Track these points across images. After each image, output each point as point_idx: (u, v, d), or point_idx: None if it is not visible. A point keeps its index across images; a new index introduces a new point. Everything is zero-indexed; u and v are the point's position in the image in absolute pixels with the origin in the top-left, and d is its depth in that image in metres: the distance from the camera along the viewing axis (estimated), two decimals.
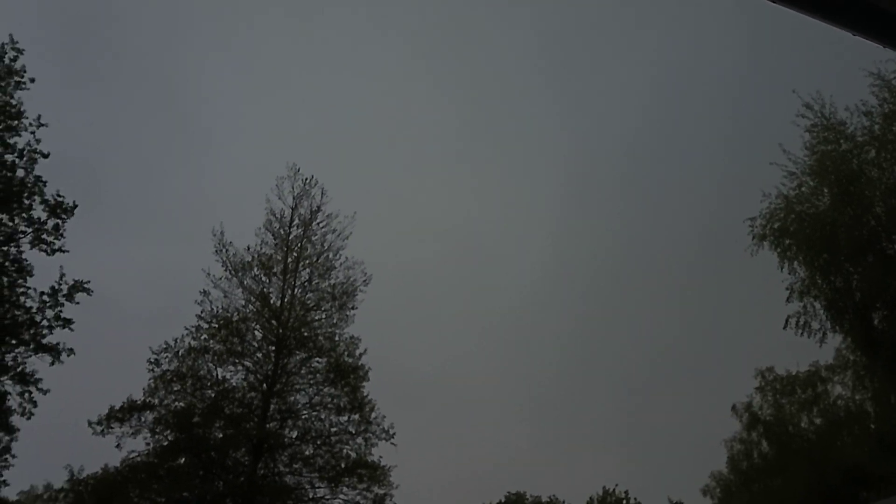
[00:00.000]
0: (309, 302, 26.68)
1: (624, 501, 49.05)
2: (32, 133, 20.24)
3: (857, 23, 1.32)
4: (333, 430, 25.39)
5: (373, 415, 25.58)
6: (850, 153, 20.63)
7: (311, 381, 25.78)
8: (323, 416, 25.51)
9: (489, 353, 64.42)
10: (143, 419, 23.72)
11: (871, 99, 20.29)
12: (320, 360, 25.88)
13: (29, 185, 20.19)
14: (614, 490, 49.37)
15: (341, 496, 24.70)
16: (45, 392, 20.17)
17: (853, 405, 27.08)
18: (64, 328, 20.39)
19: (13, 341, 19.87)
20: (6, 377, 19.85)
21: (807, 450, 27.42)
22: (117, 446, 23.37)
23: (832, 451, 25.93)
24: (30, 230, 20.20)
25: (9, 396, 19.91)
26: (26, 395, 19.97)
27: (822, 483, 24.81)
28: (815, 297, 20.80)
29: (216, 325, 25.22)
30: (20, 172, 20.10)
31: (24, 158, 20.16)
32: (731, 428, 31.57)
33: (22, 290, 20.23)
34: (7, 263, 19.99)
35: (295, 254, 27.02)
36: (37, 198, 20.26)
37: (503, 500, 53.12)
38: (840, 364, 27.35)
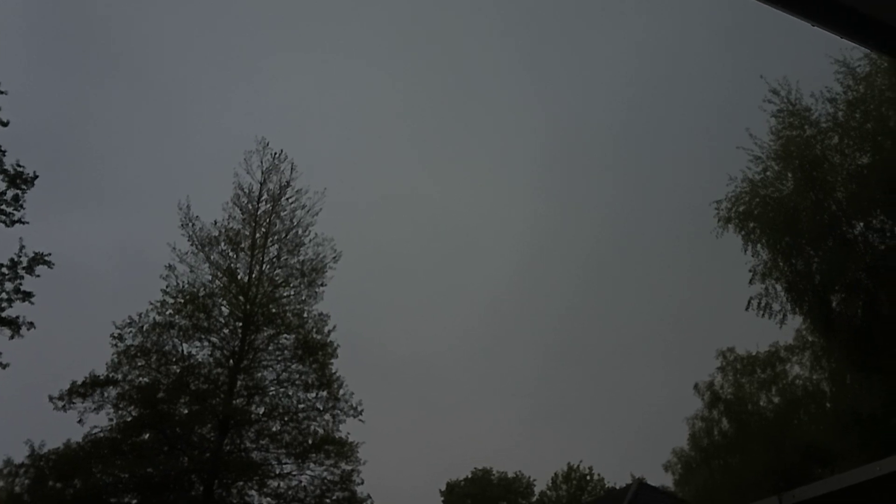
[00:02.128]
0: (277, 278, 26.50)
1: (588, 477, 50.01)
2: None
3: (813, 12, 1.35)
4: (301, 406, 25.41)
5: (341, 391, 25.64)
6: (814, 139, 20.98)
7: (279, 358, 25.70)
8: (290, 393, 25.50)
9: (461, 335, 64.78)
10: (105, 395, 23.47)
11: (835, 86, 20.62)
12: (288, 336, 25.79)
13: None
14: (578, 466, 50.33)
15: (308, 472, 24.81)
16: (4, 366, 19.78)
17: (810, 385, 27.82)
18: (24, 301, 19.98)
19: None
20: None
21: (765, 428, 28.14)
22: (79, 422, 23.18)
23: (789, 429, 26.67)
24: None
25: None
26: None
27: (779, 459, 25.51)
28: (776, 280, 21.23)
29: (182, 301, 24.95)
30: None
31: None
32: (693, 406, 32.29)
33: None
34: None
35: (263, 229, 26.76)
36: None
37: (470, 476, 53.80)
38: (799, 345, 28.05)
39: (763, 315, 21.41)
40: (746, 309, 21.57)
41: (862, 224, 20.29)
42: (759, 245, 21.41)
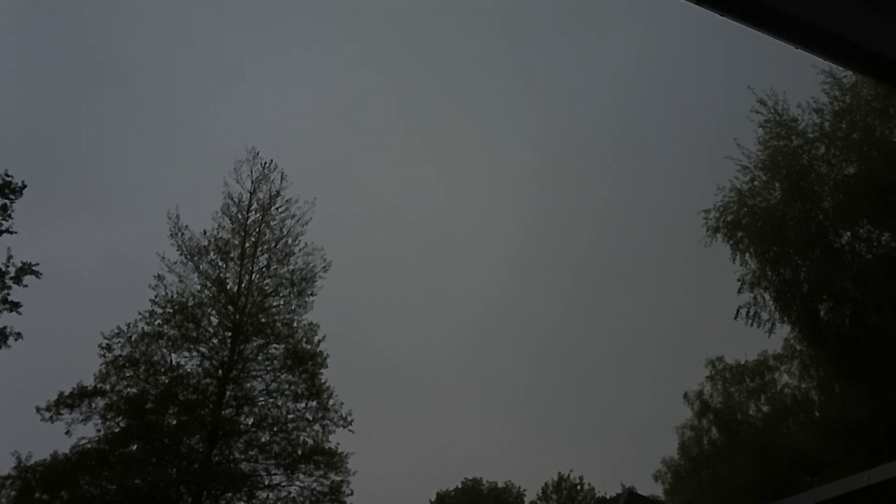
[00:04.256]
0: (267, 288, 26.44)
1: (578, 487, 49.96)
2: None
3: (796, 37, 1.39)
4: (290, 416, 25.31)
5: (330, 402, 25.57)
6: (800, 149, 21.20)
7: (269, 368, 25.61)
8: (280, 403, 25.41)
9: (454, 343, 64.73)
10: (93, 405, 23.31)
11: (822, 96, 20.86)
12: (278, 346, 25.72)
13: None
14: (569, 476, 50.28)
15: (297, 483, 24.68)
16: None
17: (799, 394, 27.94)
18: (11, 311, 19.89)
19: None
20: None
21: (754, 437, 28.23)
22: (67, 433, 22.99)
23: (778, 438, 26.74)
24: None
25: None
26: None
27: (768, 468, 25.58)
28: (764, 289, 21.37)
29: (171, 310, 24.84)
30: None
31: None
32: (683, 415, 32.36)
33: None
34: None
35: (253, 239, 26.72)
36: None
37: (460, 487, 53.65)
38: (787, 354, 28.20)
39: (752, 324, 21.55)
40: (735, 318, 21.71)
41: (849, 233, 20.49)
42: (747, 254, 21.58)
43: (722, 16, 1.35)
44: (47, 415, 22.84)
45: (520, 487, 53.59)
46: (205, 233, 26.21)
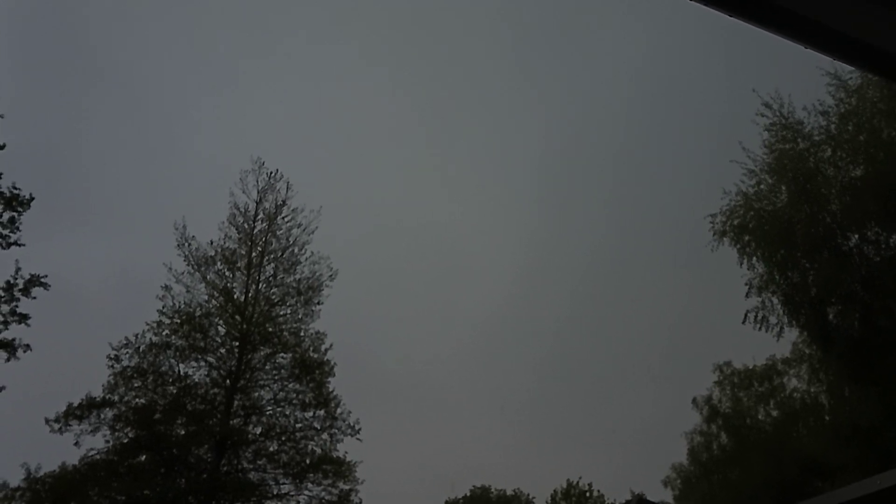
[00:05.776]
0: (274, 297, 26.49)
1: (587, 494, 49.71)
2: None
3: (804, 36, 1.39)
4: (298, 425, 25.31)
5: (338, 410, 25.55)
6: (807, 152, 21.12)
7: (276, 377, 25.63)
8: (288, 412, 25.42)
9: (458, 350, 64.62)
10: (102, 416, 23.37)
11: (827, 99, 20.80)
12: (285, 355, 25.74)
13: None
14: (578, 483, 50.03)
15: (306, 492, 24.67)
16: (0, 389, 19.70)
17: (808, 398, 27.79)
18: (20, 323, 19.94)
19: None
20: None
21: (764, 441, 28.07)
22: (76, 444, 23.06)
23: (788, 443, 26.59)
24: None
25: None
26: None
27: (778, 473, 25.43)
28: (772, 293, 21.27)
29: (178, 321, 24.91)
30: None
31: None
32: (692, 421, 32.18)
33: None
34: None
35: (259, 248, 26.80)
36: None
37: (468, 495, 53.44)
38: (796, 358, 28.05)
39: (760, 328, 21.45)
40: (743, 322, 21.60)
41: (857, 236, 20.40)
42: (754, 258, 21.49)
43: (730, 16, 1.35)
44: (56, 426, 22.94)
45: (528, 495, 53.38)
46: (211, 243, 26.33)
